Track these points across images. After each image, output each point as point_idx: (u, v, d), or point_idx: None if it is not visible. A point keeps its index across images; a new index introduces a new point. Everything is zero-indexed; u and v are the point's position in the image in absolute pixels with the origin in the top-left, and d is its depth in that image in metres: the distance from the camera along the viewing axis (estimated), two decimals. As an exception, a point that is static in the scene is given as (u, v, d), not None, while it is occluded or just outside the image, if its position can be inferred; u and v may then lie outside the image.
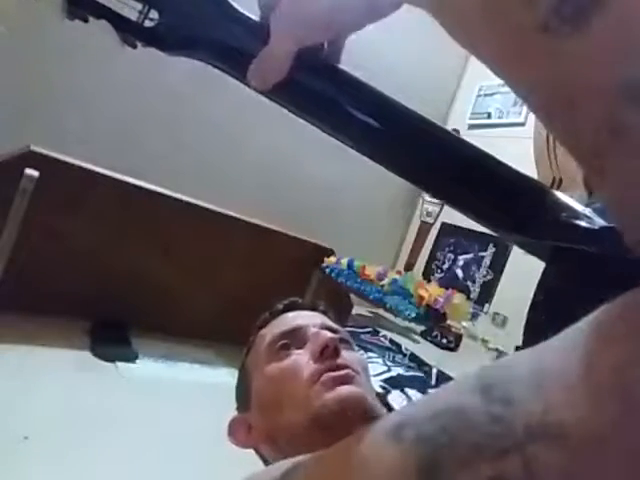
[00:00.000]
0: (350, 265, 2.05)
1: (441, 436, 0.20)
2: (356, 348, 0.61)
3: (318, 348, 0.51)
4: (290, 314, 0.61)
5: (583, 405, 0.17)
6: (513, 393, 0.19)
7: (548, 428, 0.17)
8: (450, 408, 0.21)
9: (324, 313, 0.63)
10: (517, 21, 0.19)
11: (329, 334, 0.53)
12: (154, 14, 0.31)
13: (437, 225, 3.11)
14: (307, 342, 0.54)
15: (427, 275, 3.01)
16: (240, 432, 0.56)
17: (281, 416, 0.50)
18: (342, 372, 0.49)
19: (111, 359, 1.50)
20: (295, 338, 0.55)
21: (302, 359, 0.52)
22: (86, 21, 0.30)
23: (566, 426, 0.17)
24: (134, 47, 0.32)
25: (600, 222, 0.32)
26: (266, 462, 0.55)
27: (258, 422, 0.54)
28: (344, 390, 0.47)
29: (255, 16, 0.34)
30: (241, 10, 0.34)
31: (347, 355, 0.53)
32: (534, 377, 0.19)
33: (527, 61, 0.20)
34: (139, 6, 0.31)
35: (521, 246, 0.39)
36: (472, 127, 3.03)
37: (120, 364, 1.50)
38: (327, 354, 0.51)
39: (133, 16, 0.31)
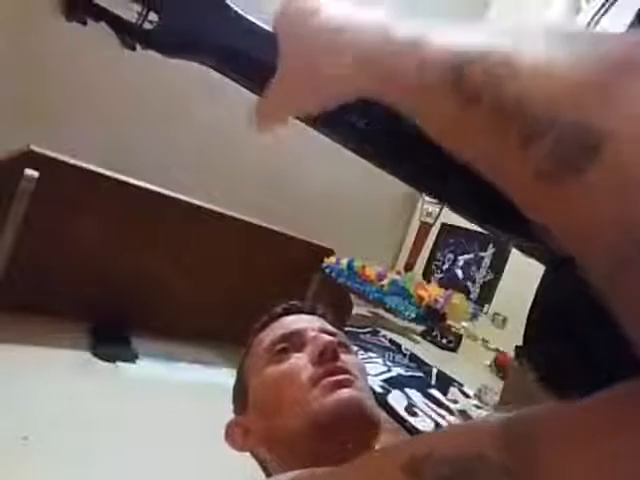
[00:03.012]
0: (350, 265, 2.05)
1: None
2: (354, 349, 0.61)
3: (317, 351, 0.51)
4: (289, 317, 0.60)
5: None
6: (537, 453, 0.19)
7: None
8: (470, 454, 0.21)
9: (323, 316, 0.63)
10: (515, 168, 0.20)
11: (328, 337, 0.53)
12: (153, 16, 0.31)
13: (437, 225, 3.11)
14: (306, 345, 0.54)
15: (427, 275, 3.01)
16: (237, 435, 0.55)
17: (279, 419, 0.50)
18: (341, 376, 0.49)
19: (111, 359, 1.50)
20: (294, 341, 0.55)
21: (300, 362, 0.52)
22: (85, 23, 0.30)
23: None
24: (133, 49, 0.32)
25: None
26: (264, 466, 0.55)
27: (256, 425, 0.53)
28: (343, 394, 0.47)
29: (255, 19, 0.34)
30: (241, 13, 0.34)
31: (345, 358, 0.53)
32: (559, 440, 0.19)
33: (527, 205, 0.21)
34: (138, 8, 0.31)
35: (521, 249, 0.39)
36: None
37: (120, 364, 1.50)
38: (326, 357, 0.51)
39: (132, 18, 0.31)
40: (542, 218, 0.20)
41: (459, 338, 2.52)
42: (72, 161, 1.47)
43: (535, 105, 0.19)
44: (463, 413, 1.74)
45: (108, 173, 1.54)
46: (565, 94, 0.18)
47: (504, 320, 2.49)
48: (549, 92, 0.18)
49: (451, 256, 2.97)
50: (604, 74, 0.17)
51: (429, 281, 2.44)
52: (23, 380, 1.26)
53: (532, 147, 0.18)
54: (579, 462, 0.18)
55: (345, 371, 0.50)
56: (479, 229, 0.39)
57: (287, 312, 0.62)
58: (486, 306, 2.62)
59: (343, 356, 0.53)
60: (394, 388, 1.71)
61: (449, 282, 2.76)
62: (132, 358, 1.56)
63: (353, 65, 0.29)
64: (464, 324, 2.43)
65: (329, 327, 0.60)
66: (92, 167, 1.51)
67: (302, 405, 0.48)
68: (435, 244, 3.10)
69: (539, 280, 0.35)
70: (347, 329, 2.06)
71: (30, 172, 1.36)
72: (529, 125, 0.19)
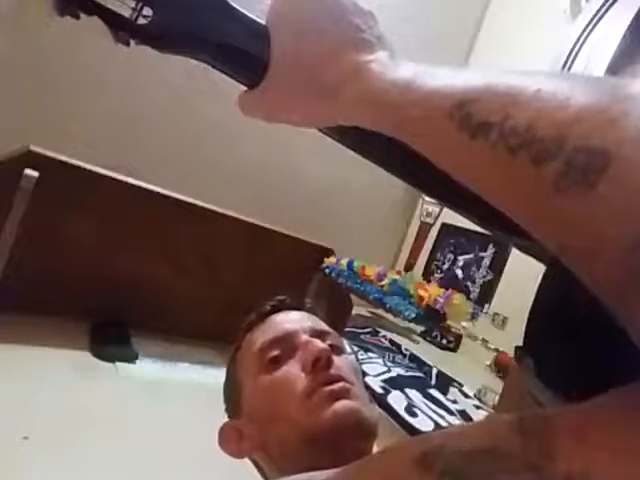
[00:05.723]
0: (350, 265, 2.05)
1: (470, 471, 0.21)
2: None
3: (310, 362, 0.50)
4: (277, 317, 0.58)
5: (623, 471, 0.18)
6: (555, 445, 0.19)
7: None
8: (484, 446, 0.21)
9: (312, 311, 0.61)
10: (530, 184, 0.21)
11: (320, 344, 0.51)
12: (148, 11, 0.31)
13: (437, 225, 3.11)
14: (297, 350, 0.52)
15: (427, 275, 3.00)
16: (231, 441, 0.54)
17: (275, 429, 0.49)
18: (336, 386, 0.48)
19: (111, 359, 1.50)
20: (285, 346, 0.53)
21: (294, 371, 0.51)
22: (77, 18, 0.30)
23: None
24: (127, 45, 0.31)
25: None
26: (261, 469, 0.54)
27: (250, 431, 0.52)
28: (340, 407, 0.46)
29: (252, 14, 0.34)
30: (238, 8, 0.34)
31: (339, 362, 0.51)
32: (577, 432, 0.19)
33: (539, 217, 0.21)
34: (132, 3, 0.31)
35: (521, 249, 0.39)
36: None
37: (120, 364, 1.50)
38: (319, 366, 0.49)
39: (126, 13, 0.31)
40: (554, 231, 0.21)
41: (459, 338, 2.52)
42: (72, 161, 1.47)
43: (544, 130, 0.20)
44: (463, 413, 1.74)
45: (108, 173, 1.54)
46: (570, 121, 0.20)
47: (504, 320, 2.49)
48: (555, 119, 0.20)
49: (451, 256, 2.97)
50: (603, 102, 0.20)
51: (429, 281, 2.43)
52: (23, 380, 1.26)
53: (545, 165, 0.20)
54: (598, 453, 0.18)
55: (340, 378, 0.49)
56: (479, 229, 0.39)
57: (275, 309, 0.60)
58: (486, 306, 2.61)
59: (336, 360, 0.51)
60: (394, 388, 1.71)
61: (449, 282, 2.75)
62: (132, 358, 1.56)
63: (352, 102, 0.30)
64: (464, 324, 2.43)
65: (320, 325, 0.58)
66: (92, 167, 1.51)
67: (298, 417, 0.47)
68: (435, 244, 3.10)
69: (539, 280, 0.34)
70: (347, 329, 2.06)
71: (30, 172, 1.36)
72: (540, 148, 0.20)
